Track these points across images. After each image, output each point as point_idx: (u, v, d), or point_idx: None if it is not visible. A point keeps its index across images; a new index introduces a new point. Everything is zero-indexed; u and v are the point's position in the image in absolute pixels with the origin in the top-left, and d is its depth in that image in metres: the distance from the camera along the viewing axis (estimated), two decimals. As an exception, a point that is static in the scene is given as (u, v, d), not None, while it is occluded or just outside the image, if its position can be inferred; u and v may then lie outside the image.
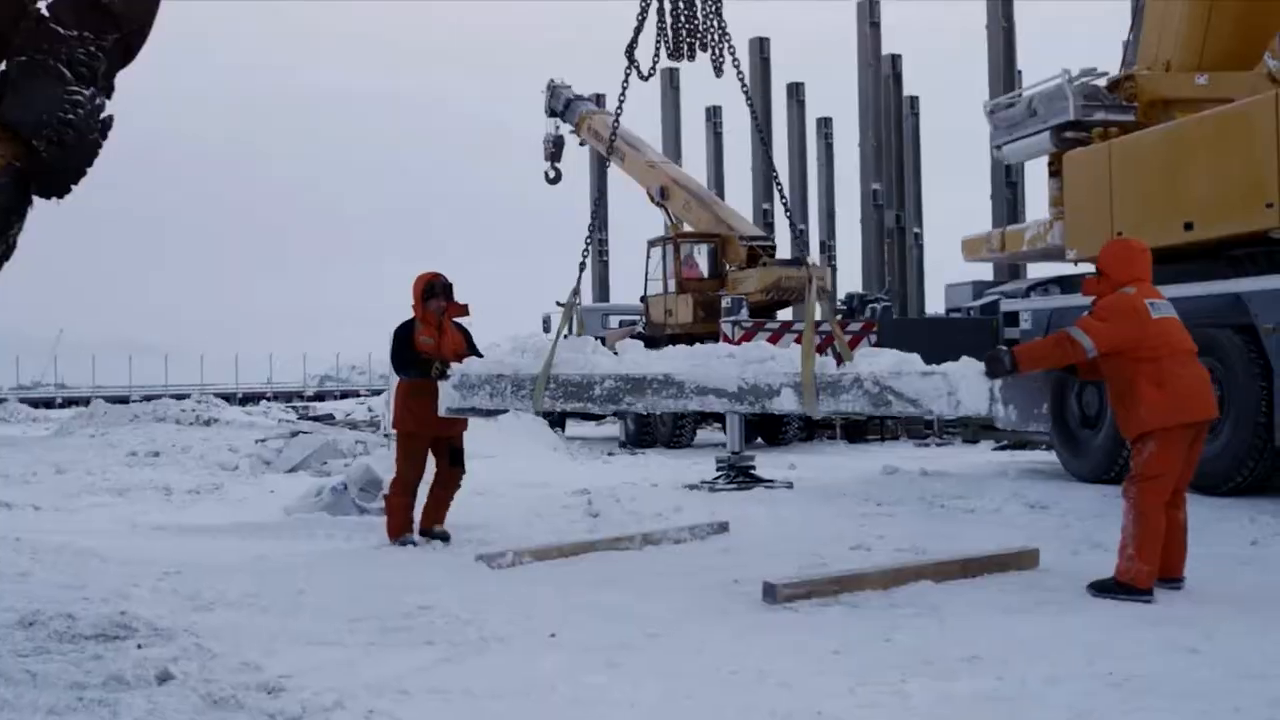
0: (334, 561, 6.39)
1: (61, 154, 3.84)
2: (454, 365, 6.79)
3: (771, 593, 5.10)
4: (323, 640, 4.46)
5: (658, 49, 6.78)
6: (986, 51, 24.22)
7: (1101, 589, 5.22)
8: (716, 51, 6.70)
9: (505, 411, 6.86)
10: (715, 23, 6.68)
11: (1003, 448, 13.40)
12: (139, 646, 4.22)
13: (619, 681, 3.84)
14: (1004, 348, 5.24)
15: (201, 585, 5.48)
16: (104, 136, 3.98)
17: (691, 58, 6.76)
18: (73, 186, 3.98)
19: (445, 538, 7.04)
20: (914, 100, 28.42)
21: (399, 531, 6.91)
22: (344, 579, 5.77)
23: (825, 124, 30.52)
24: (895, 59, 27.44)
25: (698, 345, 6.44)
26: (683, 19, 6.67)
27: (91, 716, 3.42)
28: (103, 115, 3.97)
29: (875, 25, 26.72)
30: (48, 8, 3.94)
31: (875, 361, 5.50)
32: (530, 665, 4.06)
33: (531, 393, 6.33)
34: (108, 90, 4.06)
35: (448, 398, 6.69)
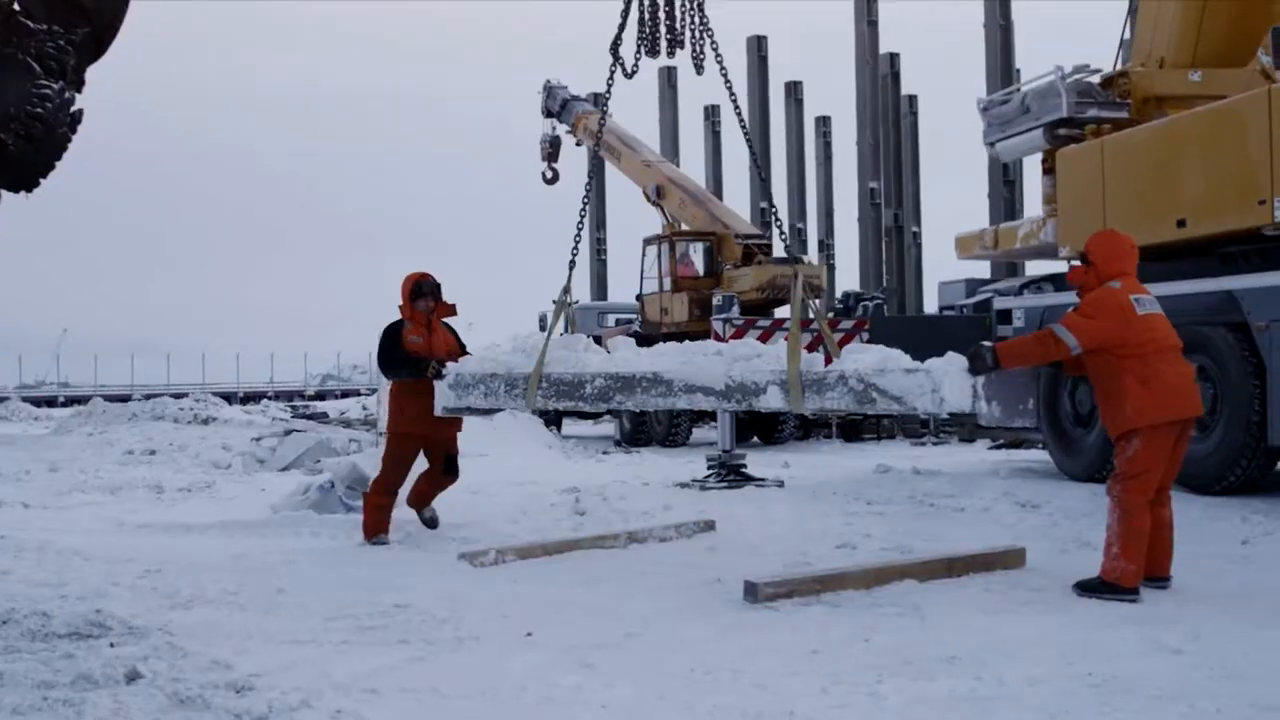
0: (316, 559, 6.35)
1: (30, 147, 3.80)
2: (449, 365, 6.78)
3: (753, 592, 5.06)
4: (297, 639, 4.42)
5: (639, 47, 6.74)
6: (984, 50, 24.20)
7: (1087, 588, 5.17)
8: (697, 49, 6.66)
9: (500, 410, 6.86)
10: (696, 18, 6.63)
11: (998, 447, 13.35)
12: (111, 645, 4.19)
13: (591, 681, 3.80)
14: (987, 344, 5.19)
15: (181, 583, 5.44)
16: (73, 130, 3.95)
17: (671, 54, 6.72)
18: (41, 180, 3.94)
19: (434, 522, 7.20)
20: (912, 99, 28.39)
21: (374, 531, 6.88)
22: (324, 577, 5.73)
23: (824, 122, 30.48)
24: (893, 57, 27.40)
25: (687, 343, 6.42)
26: (661, 15, 6.62)
27: (55, 716, 3.38)
28: (72, 109, 3.94)
29: (873, 24, 26.69)
30: (18, 1, 3.91)
31: (860, 359, 5.47)
32: (503, 665, 4.02)
33: (524, 392, 6.33)
34: (78, 84, 4.03)
35: (443, 397, 6.71)
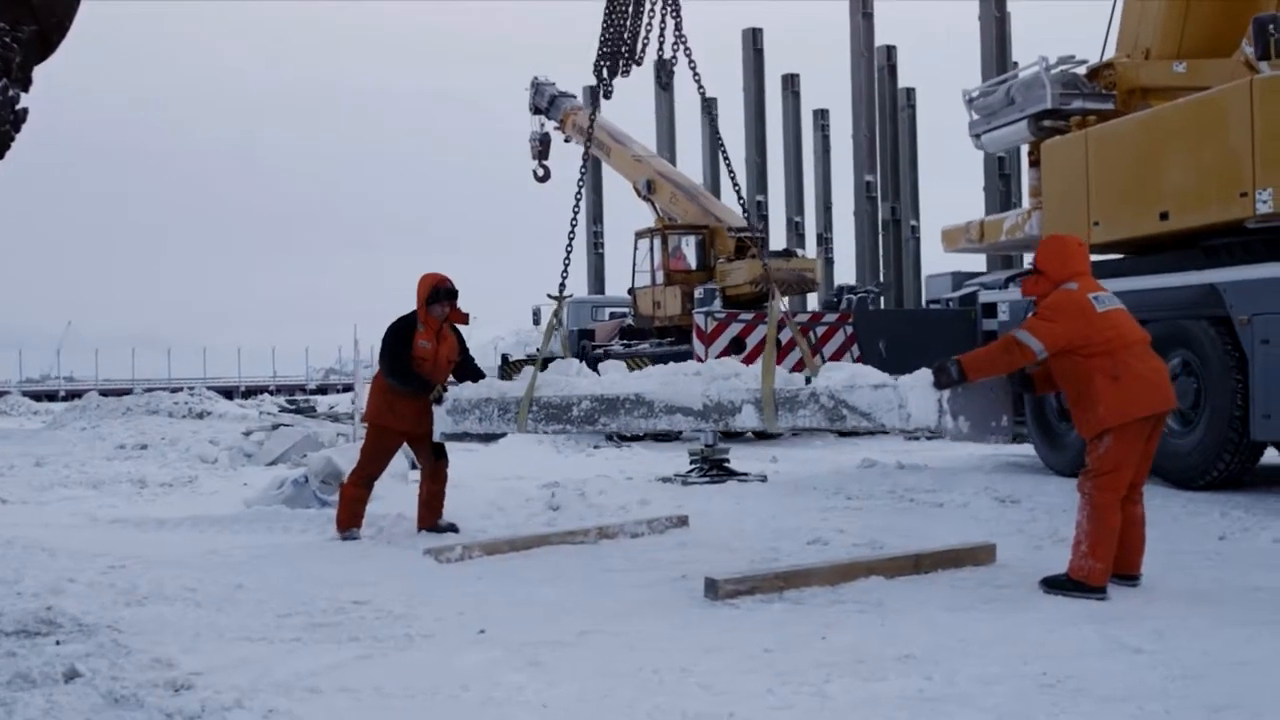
0: (281, 555, 6.30)
1: (-30, 145, 3.76)
2: (449, 389, 6.77)
3: (713, 588, 5.01)
4: (248, 636, 4.37)
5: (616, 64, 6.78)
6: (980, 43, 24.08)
7: (1054, 585, 5.11)
8: (667, 57, 6.64)
9: (501, 435, 6.89)
10: (671, 34, 6.59)
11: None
12: (58, 643, 4.14)
13: (536, 680, 3.74)
14: (954, 357, 5.10)
15: (141, 579, 5.38)
16: (16, 129, 3.90)
17: (626, 73, 6.76)
18: (-15, 177, 3.90)
19: (454, 528, 7.03)
20: (910, 92, 28.24)
21: (347, 525, 6.82)
22: (286, 573, 5.67)
23: (822, 116, 30.33)
24: (890, 50, 27.27)
25: (672, 363, 6.51)
26: (625, 37, 6.61)
27: (-14, 715, 3.34)
28: (17, 107, 3.89)
29: (868, 16, 26.55)
30: (-38, -1, 3.85)
31: (832, 376, 5.51)
32: (450, 663, 3.96)
33: (516, 415, 6.39)
34: (24, 83, 3.98)
35: (442, 423, 6.76)
